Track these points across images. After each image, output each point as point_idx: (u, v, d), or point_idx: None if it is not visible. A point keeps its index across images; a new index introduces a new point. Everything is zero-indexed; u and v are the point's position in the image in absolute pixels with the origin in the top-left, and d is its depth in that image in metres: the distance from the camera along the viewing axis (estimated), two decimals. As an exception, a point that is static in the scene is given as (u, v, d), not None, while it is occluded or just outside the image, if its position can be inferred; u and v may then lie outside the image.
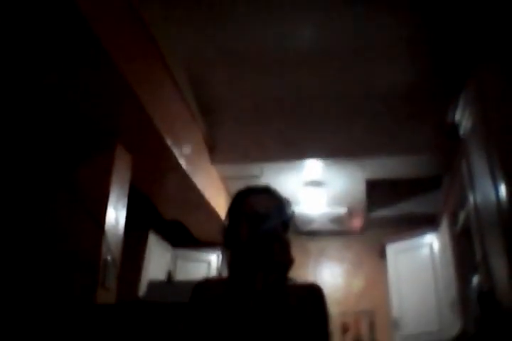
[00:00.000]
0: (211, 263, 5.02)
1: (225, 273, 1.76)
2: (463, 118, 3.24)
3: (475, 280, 3.39)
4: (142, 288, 4.14)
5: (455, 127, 3.40)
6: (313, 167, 4.49)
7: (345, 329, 5.10)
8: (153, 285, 3.22)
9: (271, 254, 1.59)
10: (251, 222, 1.65)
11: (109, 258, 2.95)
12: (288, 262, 1.61)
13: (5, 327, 2.53)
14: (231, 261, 1.63)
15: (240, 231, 1.70)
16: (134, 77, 2.82)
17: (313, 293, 1.76)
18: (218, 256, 5.00)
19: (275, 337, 1.58)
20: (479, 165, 3.02)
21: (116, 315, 2.64)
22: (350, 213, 5.11)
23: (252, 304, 1.60)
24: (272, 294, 1.58)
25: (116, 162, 3.15)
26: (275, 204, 1.80)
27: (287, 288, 1.64)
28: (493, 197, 2.76)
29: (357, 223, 5.39)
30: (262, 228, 1.62)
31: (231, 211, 1.86)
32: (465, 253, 3.79)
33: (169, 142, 3.39)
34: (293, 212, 1.90)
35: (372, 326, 5.10)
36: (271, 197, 1.84)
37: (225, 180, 4.71)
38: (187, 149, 3.79)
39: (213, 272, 4.91)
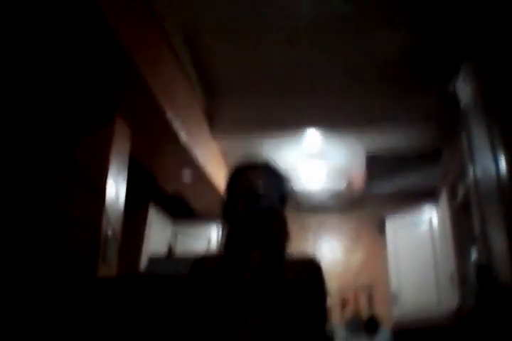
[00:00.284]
0: (211, 237, 5.04)
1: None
2: (463, 89, 3.21)
3: (473, 254, 3.40)
4: (143, 263, 4.16)
5: (456, 99, 3.38)
6: (313, 139, 4.47)
7: (344, 304, 5.15)
8: (154, 260, 3.25)
9: (267, 231, 1.59)
10: (247, 198, 1.65)
11: (109, 232, 2.95)
12: (284, 238, 1.61)
13: (6, 302, 2.55)
14: (228, 237, 1.63)
15: (236, 208, 1.70)
16: (134, 49, 2.79)
17: (311, 268, 1.77)
18: (218, 231, 5.01)
19: (272, 312, 1.59)
20: (479, 138, 3.01)
21: (116, 289, 2.65)
22: (350, 188, 5.11)
23: (248, 279, 1.60)
24: (269, 269, 1.58)
25: (116, 135, 3.14)
26: (272, 180, 1.79)
27: (284, 263, 1.65)
28: (493, 170, 2.75)
29: (356, 198, 5.40)
30: (259, 205, 1.61)
31: (228, 187, 1.85)
32: (464, 227, 3.80)
33: (169, 115, 3.37)
34: (291, 188, 1.89)
35: (371, 300, 5.14)
36: (268, 172, 1.83)
37: (225, 153, 4.71)
38: (187, 122, 3.78)
39: (213, 247, 4.94)
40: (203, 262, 1.78)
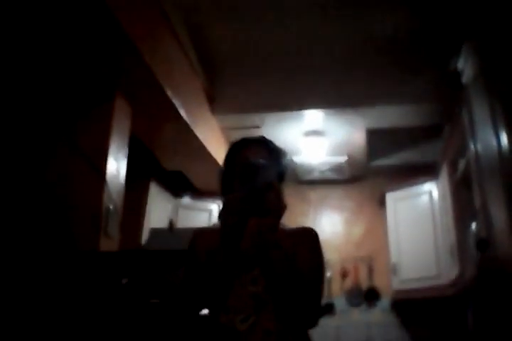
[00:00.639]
0: (212, 212, 5.07)
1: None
2: (465, 66, 3.20)
3: (473, 227, 3.43)
4: (144, 237, 4.20)
5: (457, 75, 3.37)
6: (314, 117, 4.47)
7: (344, 274, 5.21)
8: (155, 233, 3.27)
9: (264, 202, 1.60)
10: (245, 173, 1.66)
11: (111, 206, 2.98)
12: (281, 208, 1.63)
13: (8, 276, 2.58)
14: (225, 208, 1.65)
15: (234, 182, 1.72)
16: (133, 28, 2.78)
17: (308, 236, 1.80)
18: (219, 205, 5.04)
19: (270, 279, 1.62)
20: (481, 113, 3.01)
21: (118, 262, 2.68)
22: (351, 162, 5.13)
23: (246, 247, 1.63)
24: (266, 237, 1.60)
25: (116, 112, 3.15)
26: (270, 155, 1.81)
27: (281, 232, 1.67)
28: (494, 145, 2.76)
29: (357, 172, 5.41)
30: (256, 180, 1.63)
31: (227, 162, 1.87)
32: (464, 201, 3.82)
33: (169, 92, 3.36)
34: (288, 163, 1.91)
35: (371, 272, 5.20)
36: (266, 148, 1.85)
37: (225, 130, 4.70)
38: (187, 100, 3.77)
39: (214, 221, 4.97)
40: (202, 233, 1.82)
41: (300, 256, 1.70)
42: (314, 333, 1.76)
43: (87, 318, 2.41)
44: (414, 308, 4.93)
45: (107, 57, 2.92)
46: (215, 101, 4.45)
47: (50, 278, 2.58)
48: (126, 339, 2.37)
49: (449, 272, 4.21)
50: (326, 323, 4.79)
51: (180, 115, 3.61)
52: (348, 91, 4.25)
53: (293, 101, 4.33)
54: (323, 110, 4.37)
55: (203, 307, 1.69)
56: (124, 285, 2.54)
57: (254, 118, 4.49)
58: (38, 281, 2.58)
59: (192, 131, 3.89)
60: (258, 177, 1.63)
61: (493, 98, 2.79)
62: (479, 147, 3.12)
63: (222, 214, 1.63)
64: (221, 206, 1.66)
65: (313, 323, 1.67)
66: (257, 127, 4.53)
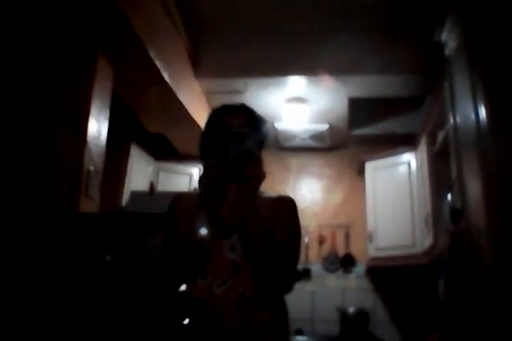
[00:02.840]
0: (193, 176, 5.08)
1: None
2: (449, 38, 3.21)
3: (449, 198, 3.50)
4: (125, 199, 4.21)
5: (441, 47, 3.38)
6: (297, 83, 4.46)
7: (321, 241, 5.28)
8: (136, 196, 3.28)
9: (243, 170, 1.62)
10: (226, 140, 1.67)
11: (91, 168, 2.98)
12: (260, 176, 1.65)
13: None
14: (205, 175, 1.66)
15: (214, 148, 1.73)
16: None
17: (286, 204, 1.83)
18: (200, 170, 5.05)
19: (248, 246, 1.65)
20: (461, 86, 3.04)
21: (99, 224, 2.69)
22: (331, 130, 5.14)
23: (224, 215, 1.65)
24: (244, 204, 1.62)
25: (98, 74, 3.10)
26: (250, 122, 1.83)
27: (260, 200, 1.70)
28: (472, 118, 2.80)
29: (337, 140, 5.44)
30: (236, 147, 1.64)
31: (207, 128, 1.89)
32: (441, 172, 3.89)
33: (152, 54, 3.33)
34: (268, 131, 1.92)
35: (347, 239, 5.28)
36: (246, 115, 1.86)
37: (208, 95, 4.68)
38: (170, 62, 3.74)
39: (195, 185, 4.99)
40: (181, 199, 1.84)
41: (277, 223, 1.73)
42: (289, 298, 1.80)
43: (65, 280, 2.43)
44: (388, 275, 5.04)
45: (90, 18, 2.87)
46: (199, 65, 4.42)
47: (30, 238, 2.59)
48: (107, 313, 2.39)
49: (423, 241, 4.29)
50: (301, 288, 4.89)
51: (163, 77, 3.58)
52: (331, 58, 4.23)
53: (276, 67, 4.31)
54: (306, 77, 4.36)
55: (182, 279, 1.71)
56: (107, 262, 2.55)
57: (238, 83, 4.47)
58: (17, 240, 2.59)
59: (174, 94, 3.86)
60: (238, 144, 1.65)
61: (474, 71, 2.81)
62: (458, 119, 3.15)
63: (201, 181, 1.65)
64: (201, 171, 1.68)
65: (289, 288, 1.72)
66: (240, 92, 4.51)
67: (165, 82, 3.64)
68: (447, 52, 3.28)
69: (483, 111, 2.66)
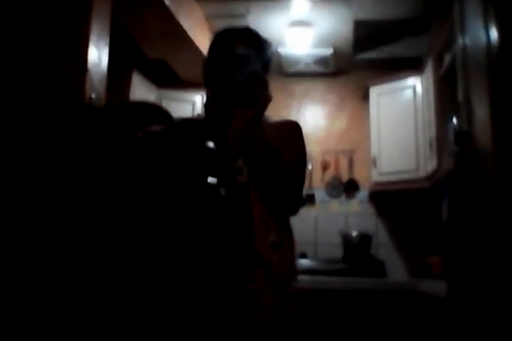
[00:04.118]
0: (195, 103, 5.04)
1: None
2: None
3: (454, 120, 3.47)
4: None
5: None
6: (301, 6, 4.33)
7: (325, 167, 5.31)
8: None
9: (249, 92, 1.60)
10: (230, 63, 1.65)
11: (93, 95, 2.95)
12: (266, 99, 1.63)
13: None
14: (210, 99, 1.65)
15: (219, 72, 1.70)
16: None
17: (291, 128, 1.84)
18: (202, 97, 5.01)
19: (254, 169, 1.66)
20: (472, 6, 2.95)
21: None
22: (336, 54, 5.05)
23: (230, 139, 1.65)
24: (250, 128, 1.61)
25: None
26: (255, 45, 1.79)
27: (265, 124, 1.69)
28: (483, 39, 2.73)
29: (342, 65, 5.35)
30: (241, 69, 1.62)
31: (211, 52, 1.85)
32: (447, 96, 3.85)
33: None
34: (273, 54, 1.88)
35: (351, 164, 5.31)
36: (251, 38, 1.82)
37: (210, 18, 4.56)
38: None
39: (197, 112, 4.96)
40: (185, 122, 1.83)
41: (283, 147, 1.73)
42: (294, 222, 1.83)
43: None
44: (391, 200, 5.11)
45: None
46: (199, -14, 4.29)
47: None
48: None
49: (427, 165, 4.31)
50: (305, 213, 4.96)
51: (162, 1, 3.49)
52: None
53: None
54: (310, -1, 4.22)
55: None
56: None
57: (240, 6, 4.34)
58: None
59: (175, 18, 3.77)
60: (243, 67, 1.62)
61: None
62: (467, 41, 3.08)
63: (206, 105, 1.64)
64: (205, 97, 1.66)
65: (295, 211, 1.74)
66: (243, 16, 4.40)
67: (165, 5, 3.54)
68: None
69: (494, 32, 2.58)
